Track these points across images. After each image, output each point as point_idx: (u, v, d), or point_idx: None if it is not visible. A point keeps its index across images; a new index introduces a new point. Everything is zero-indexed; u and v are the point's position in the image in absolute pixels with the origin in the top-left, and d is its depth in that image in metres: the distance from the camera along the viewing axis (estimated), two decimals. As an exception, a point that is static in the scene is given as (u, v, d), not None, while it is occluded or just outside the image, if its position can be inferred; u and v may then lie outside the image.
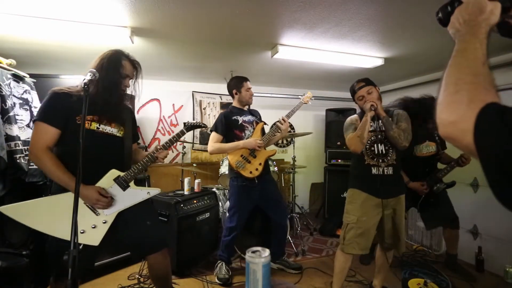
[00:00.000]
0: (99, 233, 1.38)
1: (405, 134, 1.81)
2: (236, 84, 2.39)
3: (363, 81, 1.92)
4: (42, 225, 1.31)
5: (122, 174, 1.47)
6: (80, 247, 1.27)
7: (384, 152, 1.87)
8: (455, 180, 2.43)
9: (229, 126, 2.31)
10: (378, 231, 1.91)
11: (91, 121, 1.43)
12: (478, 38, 0.56)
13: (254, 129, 2.38)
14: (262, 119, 2.55)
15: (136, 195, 1.50)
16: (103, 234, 1.39)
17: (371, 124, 1.85)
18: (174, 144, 1.69)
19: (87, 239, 1.35)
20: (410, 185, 2.37)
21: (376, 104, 1.81)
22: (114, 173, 1.46)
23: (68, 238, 1.15)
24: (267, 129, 2.46)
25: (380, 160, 1.86)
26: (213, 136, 2.31)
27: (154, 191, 1.54)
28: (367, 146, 1.90)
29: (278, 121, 2.28)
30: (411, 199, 2.44)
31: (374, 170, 1.86)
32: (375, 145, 1.87)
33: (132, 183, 1.49)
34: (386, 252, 2.00)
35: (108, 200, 1.39)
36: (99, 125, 1.45)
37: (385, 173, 1.85)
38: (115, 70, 1.48)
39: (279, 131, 2.28)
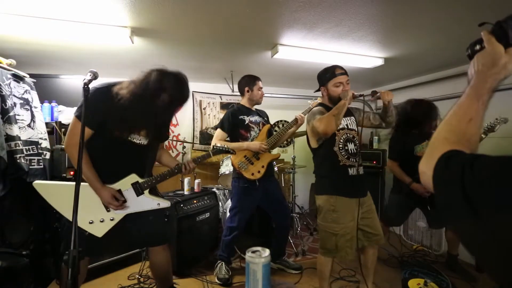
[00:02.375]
0: (104, 227, 1.49)
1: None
2: (249, 82, 2.38)
3: (341, 68, 1.87)
4: (63, 208, 1.44)
5: (140, 180, 1.54)
6: (86, 233, 1.45)
7: (355, 151, 1.84)
8: None
9: (235, 124, 2.30)
10: (362, 231, 1.84)
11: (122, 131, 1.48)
12: (478, 94, 0.58)
13: (260, 130, 2.37)
14: (269, 121, 2.54)
15: (147, 203, 1.56)
16: (107, 229, 1.49)
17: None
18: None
19: (93, 229, 1.47)
20: (413, 186, 2.35)
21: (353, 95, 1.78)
22: (133, 177, 1.53)
23: (82, 226, 1.42)
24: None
25: (354, 160, 1.82)
26: (218, 133, 2.30)
27: (164, 204, 1.60)
28: (341, 146, 1.80)
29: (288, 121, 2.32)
30: (416, 200, 2.42)
31: (351, 171, 1.80)
32: (347, 144, 1.82)
33: (146, 191, 1.55)
34: (374, 248, 1.93)
35: (119, 204, 1.47)
36: (130, 135, 1.50)
37: (359, 173, 1.83)
38: (156, 94, 1.44)
39: (289, 128, 2.32)
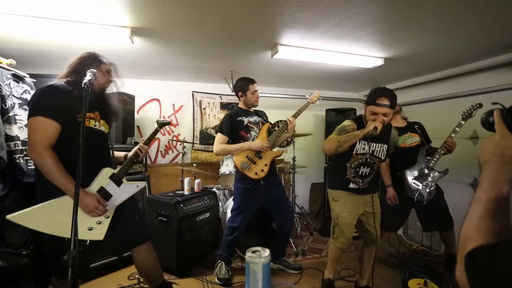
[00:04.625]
0: (103, 228, 1.47)
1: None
2: (242, 86, 2.37)
3: (389, 100, 1.79)
4: (49, 228, 1.33)
5: (115, 171, 1.53)
6: (87, 243, 1.38)
7: (366, 174, 1.96)
8: (447, 168, 2.36)
9: (234, 127, 2.30)
10: (361, 226, 2.06)
11: (89, 118, 1.44)
12: (495, 188, 0.54)
13: (260, 129, 2.37)
14: (268, 120, 2.53)
15: (129, 189, 1.60)
16: (106, 229, 1.47)
17: (363, 147, 1.87)
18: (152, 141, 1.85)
19: (94, 235, 1.43)
20: (388, 189, 2.36)
21: (379, 130, 1.74)
22: (108, 171, 1.51)
23: (81, 237, 1.32)
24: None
25: (360, 181, 1.97)
26: (219, 137, 2.30)
27: (141, 184, 1.68)
28: (353, 166, 1.93)
29: (284, 121, 2.28)
30: (405, 201, 2.36)
31: (351, 185, 1.98)
32: (361, 167, 1.94)
33: (124, 179, 1.57)
34: (370, 247, 2.08)
35: (104, 209, 1.43)
36: (96, 123, 1.50)
37: (361, 187, 1.99)
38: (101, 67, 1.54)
39: (286, 131, 2.28)
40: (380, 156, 1.94)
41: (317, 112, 4.43)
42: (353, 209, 1.98)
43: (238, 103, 2.48)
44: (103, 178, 1.49)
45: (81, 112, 1.36)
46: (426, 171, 2.30)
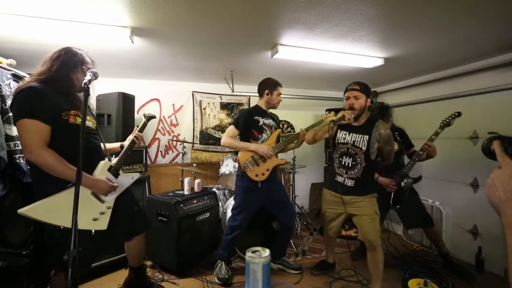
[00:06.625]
0: (106, 218, 1.56)
1: (389, 157, 2.06)
2: (271, 85, 2.39)
3: (358, 85, 2.04)
4: (59, 219, 1.36)
5: (113, 163, 1.61)
6: (93, 232, 1.50)
7: (349, 165, 2.04)
8: (421, 174, 2.45)
9: (249, 124, 2.32)
10: (359, 230, 2.09)
11: (75, 115, 1.44)
12: None
13: (271, 133, 2.38)
14: (280, 125, 2.56)
15: (126, 180, 1.68)
16: (108, 218, 1.56)
17: (344, 137, 2.06)
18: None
19: (99, 225, 1.51)
20: (380, 180, 2.39)
21: (347, 118, 1.95)
22: (106, 164, 1.59)
23: (87, 227, 1.45)
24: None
25: (344, 171, 2.07)
26: (230, 129, 2.33)
27: (136, 175, 1.76)
28: (337, 155, 2.11)
29: (297, 133, 2.34)
30: (383, 199, 2.38)
31: (337, 178, 2.12)
32: (343, 157, 2.07)
33: (121, 171, 1.65)
34: (370, 252, 2.04)
35: (115, 185, 1.56)
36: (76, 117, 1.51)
37: (345, 183, 2.06)
38: (83, 65, 1.58)
39: (295, 141, 2.33)
40: (360, 146, 2.00)
41: (317, 112, 4.43)
42: (335, 208, 2.15)
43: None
44: (102, 171, 1.56)
45: (64, 110, 1.41)
46: (400, 177, 2.37)
